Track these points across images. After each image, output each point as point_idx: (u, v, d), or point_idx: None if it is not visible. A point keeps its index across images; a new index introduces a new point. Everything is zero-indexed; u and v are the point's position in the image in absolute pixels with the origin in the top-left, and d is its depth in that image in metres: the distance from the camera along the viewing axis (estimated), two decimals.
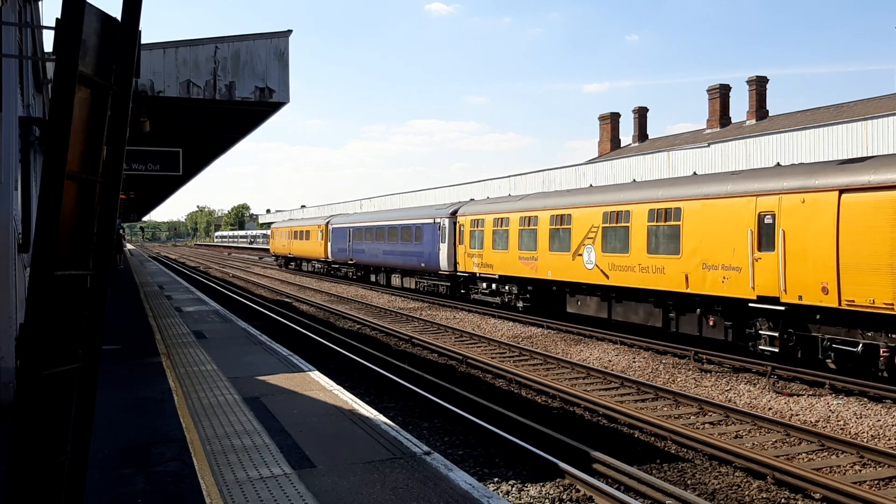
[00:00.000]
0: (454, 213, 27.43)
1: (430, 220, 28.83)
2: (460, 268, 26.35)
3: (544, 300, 21.66)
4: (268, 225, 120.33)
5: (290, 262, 54.22)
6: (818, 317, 12.75)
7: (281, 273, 50.71)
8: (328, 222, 43.46)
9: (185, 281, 35.46)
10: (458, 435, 9.77)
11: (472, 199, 30.79)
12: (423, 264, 29.45)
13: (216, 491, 5.62)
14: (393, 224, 33.10)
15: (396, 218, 33.41)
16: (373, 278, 37.13)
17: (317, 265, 46.92)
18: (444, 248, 27.41)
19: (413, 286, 31.47)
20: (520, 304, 22.64)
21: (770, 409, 11.32)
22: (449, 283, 27.92)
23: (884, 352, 11.62)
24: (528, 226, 21.52)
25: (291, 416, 7.94)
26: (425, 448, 6.74)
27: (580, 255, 18.72)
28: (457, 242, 26.49)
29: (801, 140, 22.56)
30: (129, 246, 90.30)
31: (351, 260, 39.12)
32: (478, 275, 24.96)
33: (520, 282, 22.43)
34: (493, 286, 24.23)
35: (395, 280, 33.63)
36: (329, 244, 42.69)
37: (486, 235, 24.09)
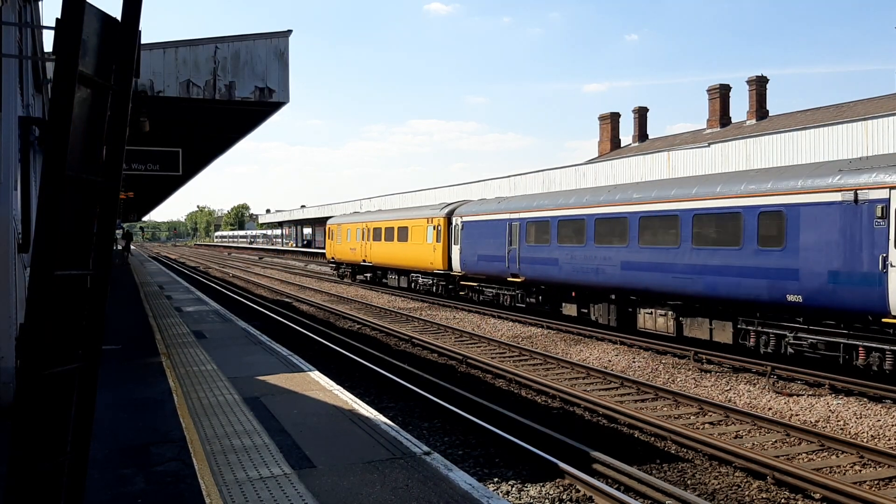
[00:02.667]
0: None
1: (833, 197, 12.71)
2: None
3: None
4: (268, 225, 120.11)
5: (364, 273, 38.00)
6: None
7: (281, 273, 50.15)
8: (451, 212, 27.63)
9: (185, 281, 35.45)
10: (458, 435, 9.77)
11: None
12: (794, 296, 13.24)
13: (216, 491, 5.62)
14: (662, 210, 16.46)
15: (676, 197, 16.16)
16: (568, 310, 20.46)
17: (422, 280, 30.48)
18: None
19: (742, 339, 14.74)
20: None
21: (770, 409, 11.32)
22: None
23: None
24: None
25: (291, 416, 7.94)
26: (425, 448, 6.74)
27: None
28: None
29: (801, 140, 22.57)
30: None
31: (516, 276, 22.51)
32: None
33: None
34: None
35: (665, 322, 16.59)
36: (456, 248, 26.77)
37: None
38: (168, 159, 16.22)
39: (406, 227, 31.19)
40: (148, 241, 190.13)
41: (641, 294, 17.34)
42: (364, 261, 36.46)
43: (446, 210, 28.15)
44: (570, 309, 20.39)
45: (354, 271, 39.36)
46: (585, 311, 19.83)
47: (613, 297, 18.43)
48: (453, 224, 27.20)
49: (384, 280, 35.44)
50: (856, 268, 12.24)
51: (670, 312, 16.46)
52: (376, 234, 34.66)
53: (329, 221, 44.04)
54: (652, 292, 16.85)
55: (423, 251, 29.25)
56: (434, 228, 28.41)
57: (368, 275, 37.37)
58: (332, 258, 42.66)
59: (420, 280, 30.79)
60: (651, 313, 17.07)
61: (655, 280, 16.58)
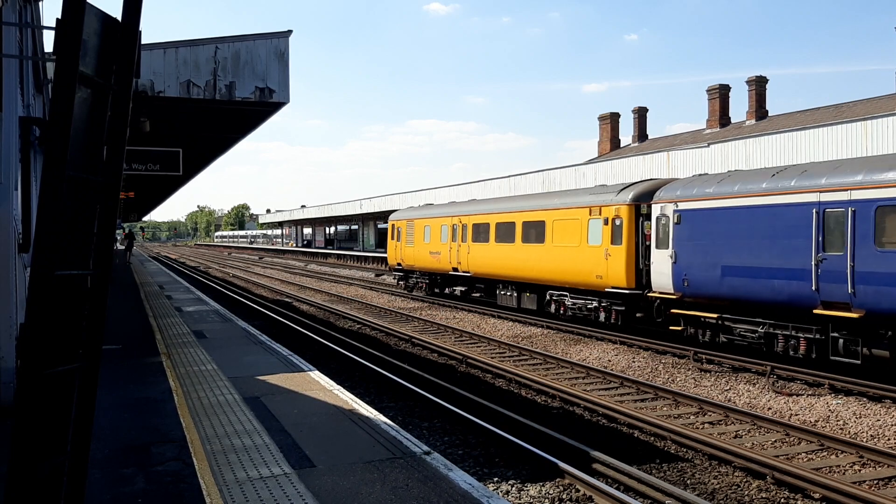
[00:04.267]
0: None
1: None
2: None
3: None
4: (268, 225, 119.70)
5: (453, 286, 27.30)
6: None
7: (281, 273, 49.99)
8: (641, 196, 17.57)
9: (186, 281, 35.46)
10: (457, 435, 9.78)
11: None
12: None
13: (216, 490, 5.63)
14: None
15: None
16: None
17: (573, 301, 19.88)
18: None
19: None
20: None
21: (769, 408, 11.33)
22: None
23: None
24: None
25: (291, 415, 7.94)
26: (425, 448, 6.75)
27: None
28: None
29: (801, 140, 22.58)
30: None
31: (840, 308, 12.21)
32: None
33: None
34: None
35: None
36: (662, 254, 16.31)
37: None
38: (168, 159, 16.24)
39: (542, 222, 21.11)
40: (148, 241, 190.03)
41: None
42: (456, 269, 26.07)
43: (632, 193, 17.85)
44: None
45: (434, 283, 28.77)
46: None
47: None
48: (654, 215, 16.77)
49: (477, 296, 25.87)
50: None
51: None
52: (479, 232, 24.61)
53: (392, 217, 33.21)
54: None
55: (579, 257, 19.27)
56: (605, 223, 18.35)
57: (461, 289, 26.54)
58: (399, 264, 31.34)
59: (569, 301, 20.06)
60: None
61: None
